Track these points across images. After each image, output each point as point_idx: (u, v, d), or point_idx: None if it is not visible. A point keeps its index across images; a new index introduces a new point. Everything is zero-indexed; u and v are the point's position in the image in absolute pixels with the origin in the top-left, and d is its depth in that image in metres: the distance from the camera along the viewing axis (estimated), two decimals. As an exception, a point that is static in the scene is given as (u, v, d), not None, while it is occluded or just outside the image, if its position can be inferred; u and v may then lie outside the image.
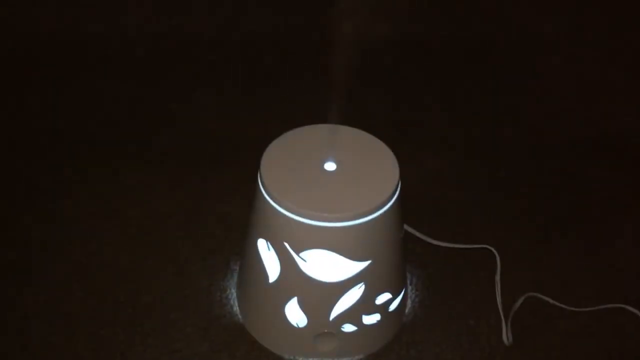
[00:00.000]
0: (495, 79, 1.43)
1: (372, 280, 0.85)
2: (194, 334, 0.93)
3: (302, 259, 0.82)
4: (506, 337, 0.93)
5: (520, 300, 0.98)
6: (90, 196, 1.12)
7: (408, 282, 1.00)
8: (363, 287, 0.85)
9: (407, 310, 0.97)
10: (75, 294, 0.97)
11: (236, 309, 0.96)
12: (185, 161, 1.20)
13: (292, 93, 1.34)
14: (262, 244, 0.86)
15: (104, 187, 1.13)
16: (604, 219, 1.13)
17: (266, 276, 0.86)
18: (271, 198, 0.80)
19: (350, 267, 0.83)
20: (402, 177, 1.20)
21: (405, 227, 0.99)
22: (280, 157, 0.84)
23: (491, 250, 1.03)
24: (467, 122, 1.31)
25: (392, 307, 0.91)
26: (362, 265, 0.83)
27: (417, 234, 1.03)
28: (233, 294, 0.98)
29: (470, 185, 1.18)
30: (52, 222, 1.07)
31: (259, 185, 0.83)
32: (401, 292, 0.92)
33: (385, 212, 0.81)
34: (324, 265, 0.82)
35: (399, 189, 0.83)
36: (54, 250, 1.03)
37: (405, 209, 1.09)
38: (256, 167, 0.83)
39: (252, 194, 0.85)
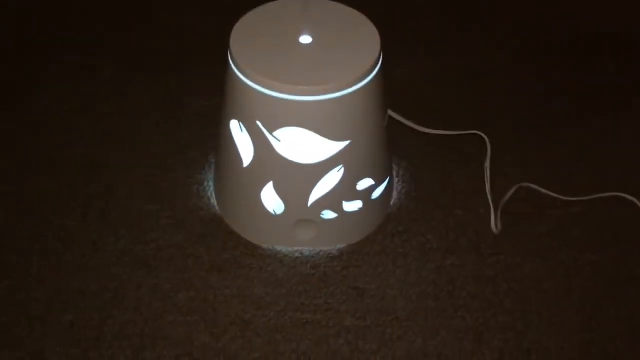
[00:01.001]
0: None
1: (351, 164, 0.80)
2: (169, 225, 0.89)
3: (276, 138, 0.77)
4: (495, 225, 0.89)
5: (512, 191, 0.94)
6: (62, 92, 1.06)
7: (394, 173, 0.96)
8: (342, 170, 0.80)
9: (392, 202, 0.93)
10: (44, 188, 0.93)
11: (214, 201, 0.92)
12: (163, 56, 1.13)
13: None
14: (234, 126, 0.81)
15: (77, 82, 1.08)
16: (602, 112, 1.07)
17: (240, 160, 0.81)
18: (240, 71, 0.74)
19: (327, 148, 0.78)
20: (394, 74, 1.15)
21: (391, 113, 0.94)
22: (251, 31, 0.78)
23: (482, 139, 0.98)
24: (464, 20, 1.24)
25: (375, 195, 0.87)
26: (340, 145, 0.78)
27: (404, 121, 0.97)
28: (211, 186, 0.94)
29: (466, 82, 1.12)
30: (21, 118, 1.02)
31: (228, 60, 0.77)
32: (385, 180, 0.88)
33: (364, 86, 0.75)
34: (299, 145, 0.77)
35: (380, 62, 0.77)
36: (22, 146, 0.98)
37: (396, 103, 1.04)
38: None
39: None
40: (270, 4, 0.81)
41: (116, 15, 1.20)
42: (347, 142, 0.78)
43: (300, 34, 0.78)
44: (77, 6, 1.21)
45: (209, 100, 1.05)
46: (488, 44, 1.18)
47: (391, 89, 1.04)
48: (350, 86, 0.74)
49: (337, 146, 0.78)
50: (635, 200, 0.93)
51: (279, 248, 0.87)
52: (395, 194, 0.94)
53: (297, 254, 0.87)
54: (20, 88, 1.06)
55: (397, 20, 1.21)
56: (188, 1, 1.23)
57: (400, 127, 1.01)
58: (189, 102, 1.06)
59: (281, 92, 0.73)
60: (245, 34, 0.78)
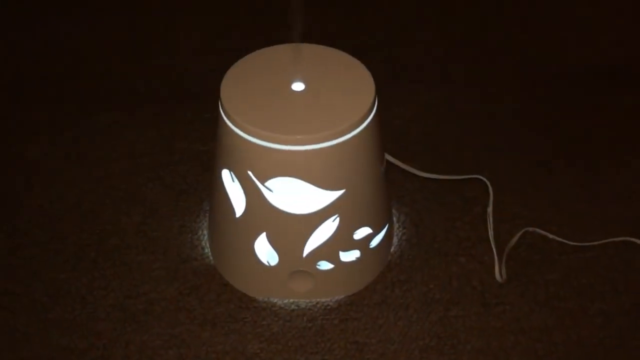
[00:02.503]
0: (492, 11, 1.32)
1: (347, 213, 0.77)
2: (161, 277, 0.86)
3: (268, 188, 0.74)
4: (499, 273, 0.86)
5: (517, 236, 0.90)
6: (56, 138, 1.04)
7: (395, 219, 0.93)
8: (337, 220, 0.77)
9: (392, 249, 0.90)
10: (36, 239, 0.90)
11: (208, 250, 0.89)
12: (158, 100, 1.11)
13: (271, 29, 1.25)
14: (226, 176, 0.78)
15: (71, 128, 1.06)
16: (610, 151, 1.03)
17: (232, 211, 0.79)
18: (229, 120, 0.72)
19: (321, 197, 0.75)
20: (394, 112, 1.12)
21: (389, 157, 0.91)
22: (242, 79, 0.76)
23: (485, 183, 0.95)
24: (464, 55, 1.21)
25: (374, 243, 0.83)
26: (334, 194, 0.75)
27: (402, 165, 0.94)
28: (205, 235, 0.91)
29: (467, 119, 1.09)
30: (15, 166, 1.00)
31: (219, 109, 0.75)
32: (383, 227, 0.84)
33: (359, 133, 0.72)
34: (292, 195, 0.75)
35: (375, 107, 0.75)
36: (14, 195, 0.96)
37: (396, 143, 1.01)
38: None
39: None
40: (261, 51, 0.79)
41: (111, 60, 1.19)
42: (341, 191, 0.75)
43: (292, 81, 0.76)
44: (71, 52, 1.20)
45: (204, 144, 1.03)
46: (489, 85, 1.15)
47: (389, 133, 1.02)
48: (344, 134, 0.71)
49: (331, 195, 0.75)
50: (647, 244, 0.89)
51: (274, 300, 0.84)
52: (395, 241, 0.91)
53: (293, 306, 0.83)
54: (14, 135, 1.05)
55: (396, 62, 1.19)
56: (182, 45, 1.22)
57: (400, 171, 0.98)
58: (184, 147, 1.03)
59: (272, 141, 0.70)
60: (236, 81, 0.76)
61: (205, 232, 0.91)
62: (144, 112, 1.09)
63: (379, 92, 0.78)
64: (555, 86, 1.15)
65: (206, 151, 1.02)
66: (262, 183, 0.74)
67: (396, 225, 0.93)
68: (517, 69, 1.18)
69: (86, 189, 0.97)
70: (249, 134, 0.71)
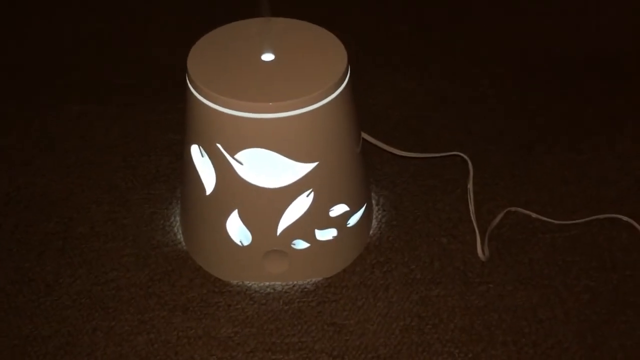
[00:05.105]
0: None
1: (321, 187, 0.74)
2: (130, 263, 0.83)
3: (239, 161, 0.71)
4: (482, 251, 0.83)
5: (499, 216, 0.87)
6: (26, 127, 1.01)
7: (374, 202, 0.90)
8: (312, 195, 0.74)
9: (371, 232, 0.87)
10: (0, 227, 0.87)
11: (180, 236, 0.86)
12: (131, 92, 1.09)
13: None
14: (195, 152, 0.75)
15: (41, 118, 1.03)
16: (593, 132, 1.01)
17: (202, 188, 0.76)
18: (197, 90, 0.69)
19: (293, 170, 0.72)
20: (373, 99, 1.10)
21: (366, 136, 0.88)
22: (210, 50, 0.73)
23: (466, 166, 0.92)
24: (445, 43, 1.20)
25: (351, 222, 0.80)
26: (307, 167, 0.72)
27: (380, 144, 0.92)
28: (178, 221, 0.88)
29: (446, 105, 1.07)
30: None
31: (186, 81, 0.72)
32: (361, 206, 0.81)
33: (330, 102, 0.70)
34: (263, 168, 0.72)
35: (347, 78, 0.72)
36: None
37: (376, 129, 0.99)
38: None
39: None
40: (231, 24, 0.77)
41: (83, 50, 1.17)
42: (314, 164, 0.72)
43: (261, 52, 0.73)
44: (43, 40, 1.18)
45: (178, 134, 1.00)
46: (471, 68, 1.14)
47: (368, 119, 1.00)
48: (315, 102, 0.69)
49: (304, 168, 0.72)
50: (632, 221, 0.87)
51: (249, 284, 0.80)
52: (374, 223, 0.88)
53: (268, 290, 0.80)
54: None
55: (379, 46, 1.17)
56: (156, 35, 1.20)
57: (378, 155, 0.95)
58: (157, 137, 1.00)
59: (240, 110, 0.67)
60: (204, 52, 0.73)
61: (178, 218, 0.88)
62: (116, 103, 1.06)
63: (358, 79, 0.75)
64: (535, 72, 1.13)
65: (179, 140, 0.99)
66: (232, 156, 0.71)
67: (375, 209, 0.90)
68: (498, 56, 1.16)
69: (55, 177, 0.94)
70: (216, 103, 0.68)
